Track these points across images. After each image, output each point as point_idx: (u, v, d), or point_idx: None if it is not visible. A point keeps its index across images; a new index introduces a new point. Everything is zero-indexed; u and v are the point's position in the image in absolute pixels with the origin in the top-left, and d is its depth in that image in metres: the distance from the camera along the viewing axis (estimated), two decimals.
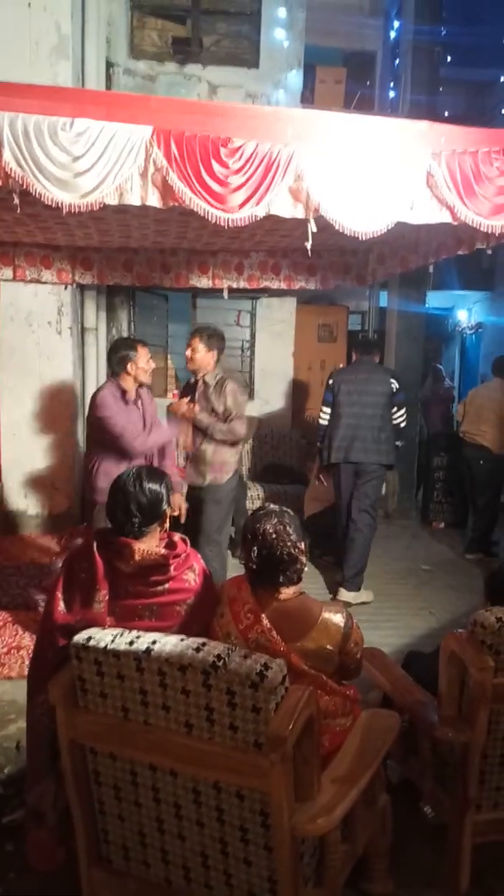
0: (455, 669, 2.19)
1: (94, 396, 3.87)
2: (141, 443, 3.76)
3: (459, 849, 2.22)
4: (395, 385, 4.74)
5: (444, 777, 2.35)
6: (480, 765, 2.17)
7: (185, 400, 4.07)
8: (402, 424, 4.81)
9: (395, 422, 4.76)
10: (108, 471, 3.63)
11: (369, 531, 4.74)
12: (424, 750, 2.40)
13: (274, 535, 2.06)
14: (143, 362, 3.84)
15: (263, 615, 2.04)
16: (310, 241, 2.89)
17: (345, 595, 4.65)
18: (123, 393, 3.84)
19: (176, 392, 4.22)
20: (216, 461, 4.05)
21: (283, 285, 5.69)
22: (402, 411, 4.78)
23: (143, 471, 2.28)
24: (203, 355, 4.03)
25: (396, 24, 8.68)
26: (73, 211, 2.70)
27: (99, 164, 2.64)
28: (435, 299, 10.66)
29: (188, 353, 4.07)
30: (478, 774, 2.18)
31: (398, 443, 4.84)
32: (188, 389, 4.24)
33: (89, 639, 1.83)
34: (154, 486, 2.21)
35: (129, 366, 3.82)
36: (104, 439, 3.78)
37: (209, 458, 4.04)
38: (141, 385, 3.94)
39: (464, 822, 2.20)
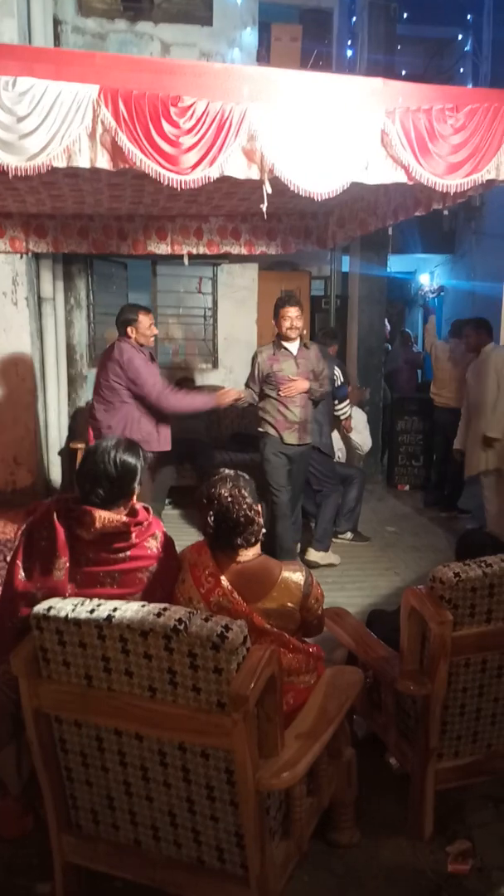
0: (416, 625, 2.23)
1: (110, 356, 4.12)
2: (163, 401, 4.06)
3: (423, 796, 2.30)
4: (338, 378, 5.06)
5: (408, 729, 2.42)
6: (441, 715, 2.24)
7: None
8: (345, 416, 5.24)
9: (337, 414, 5.15)
10: (141, 426, 4.07)
11: (336, 496, 4.91)
12: (388, 704, 2.46)
13: (230, 499, 2.06)
14: (143, 327, 4.16)
15: (223, 577, 2.05)
16: (265, 203, 2.84)
17: (313, 555, 4.77)
18: (141, 347, 4.15)
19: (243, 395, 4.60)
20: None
21: (244, 250, 5.62)
22: (345, 405, 5.21)
23: (123, 442, 2.24)
24: (303, 321, 4.39)
25: None
26: (19, 174, 2.61)
27: (45, 124, 2.54)
28: (397, 263, 10.65)
29: (290, 322, 4.31)
30: (439, 725, 2.25)
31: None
32: (279, 351, 4.40)
33: (50, 608, 1.82)
34: (129, 460, 2.18)
35: (129, 329, 4.15)
36: (132, 395, 4.07)
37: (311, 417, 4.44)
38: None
39: (426, 771, 2.28)
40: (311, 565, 4.63)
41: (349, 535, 5.29)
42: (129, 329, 4.16)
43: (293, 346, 4.39)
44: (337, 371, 5.09)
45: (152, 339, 4.24)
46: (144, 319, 4.17)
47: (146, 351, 4.26)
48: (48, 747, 1.93)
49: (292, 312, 4.30)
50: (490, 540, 2.77)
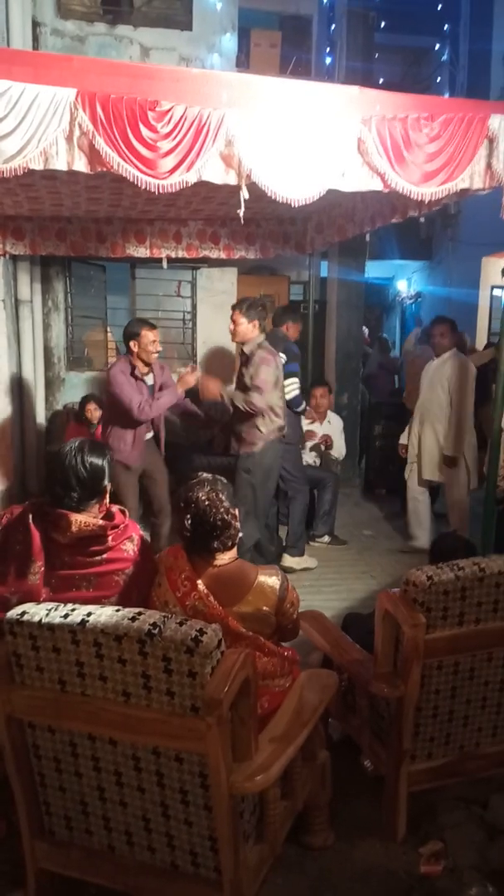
0: (389, 627, 2.25)
1: (108, 373, 4.29)
2: (145, 411, 4.07)
3: (396, 798, 2.32)
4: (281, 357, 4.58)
5: (381, 731, 2.44)
6: (414, 718, 2.26)
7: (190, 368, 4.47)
8: (291, 395, 4.69)
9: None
10: (120, 435, 4.18)
11: (302, 498, 4.84)
12: (362, 706, 2.48)
13: (207, 502, 2.07)
14: (145, 342, 4.15)
15: (199, 581, 2.06)
16: (242, 208, 2.86)
17: (288, 560, 4.75)
18: (133, 368, 4.16)
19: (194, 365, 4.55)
20: (244, 431, 4.18)
21: (223, 254, 5.64)
22: (291, 381, 4.68)
23: (86, 444, 2.24)
24: (244, 327, 4.15)
25: None
26: None
27: (21, 127, 2.53)
28: (375, 269, 10.75)
29: (230, 326, 4.19)
30: (412, 727, 2.27)
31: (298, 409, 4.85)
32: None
33: (23, 613, 1.81)
34: (96, 461, 2.19)
35: (132, 344, 4.17)
36: (116, 410, 4.19)
37: (240, 428, 4.21)
38: (148, 363, 4.22)
39: (399, 773, 2.29)
40: (287, 571, 4.59)
41: (326, 538, 5.31)
42: (131, 343, 4.19)
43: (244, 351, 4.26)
44: (282, 356, 4.57)
45: (155, 354, 4.19)
46: (148, 334, 4.16)
47: (158, 363, 4.30)
48: (21, 753, 1.91)
49: (232, 316, 4.19)
50: (462, 543, 2.81)
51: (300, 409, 4.89)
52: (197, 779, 1.75)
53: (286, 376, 4.59)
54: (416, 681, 2.19)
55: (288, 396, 4.58)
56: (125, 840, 1.91)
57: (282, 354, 4.59)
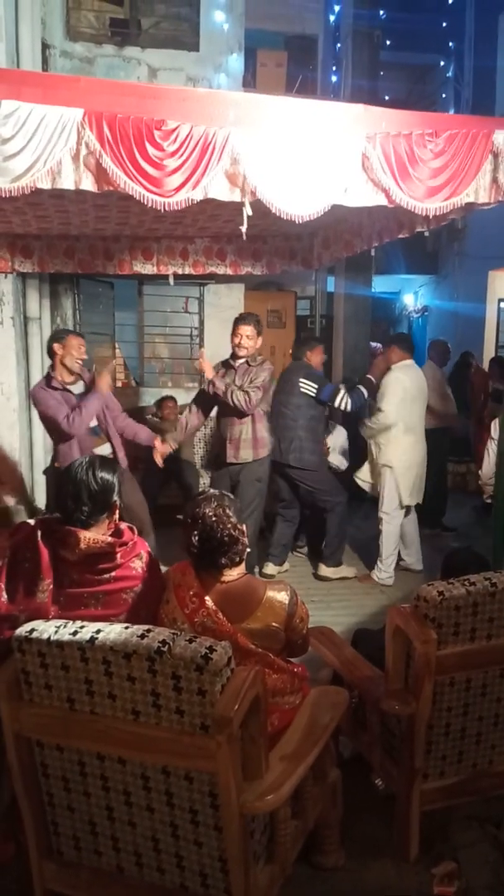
0: (400, 643, 2.23)
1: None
2: (74, 422, 3.88)
3: (408, 817, 2.28)
4: (311, 389, 4.69)
5: (393, 749, 2.41)
6: (426, 735, 2.23)
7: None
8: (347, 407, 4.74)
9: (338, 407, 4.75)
10: (66, 453, 3.99)
11: (340, 509, 4.84)
12: (373, 724, 2.45)
13: (214, 518, 2.06)
14: (70, 347, 4.03)
15: (207, 598, 2.04)
16: (245, 225, 2.88)
17: (324, 570, 4.86)
18: (51, 380, 4.04)
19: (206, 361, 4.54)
20: (257, 434, 4.33)
21: (230, 271, 5.67)
22: (340, 396, 4.68)
23: (97, 460, 2.26)
24: (255, 341, 4.33)
25: (336, 7, 8.69)
26: (4, 195, 2.63)
27: (29, 146, 2.57)
28: (382, 283, 10.79)
29: (240, 340, 4.30)
30: (424, 745, 2.24)
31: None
32: (226, 366, 4.46)
33: (32, 631, 1.80)
34: (106, 476, 2.19)
35: (56, 347, 4.06)
36: (49, 429, 4.09)
37: (245, 435, 4.32)
38: (72, 372, 4.08)
39: (412, 792, 2.26)
40: (322, 580, 4.81)
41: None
42: (55, 346, 4.05)
43: (238, 363, 4.40)
44: (305, 382, 4.72)
45: (79, 362, 4.07)
46: (73, 341, 4.07)
47: (86, 372, 4.19)
48: (29, 772, 1.90)
49: (244, 330, 4.31)
50: (474, 558, 2.78)
51: (355, 406, 4.81)
52: (207, 798, 1.73)
53: (333, 395, 4.68)
54: (427, 698, 2.17)
55: (347, 407, 4.70)
56: (134, 861, 1.89)
57: (308, 382, 4.71)
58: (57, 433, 4.00)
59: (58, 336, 4.12)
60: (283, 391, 4.87)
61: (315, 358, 4.94)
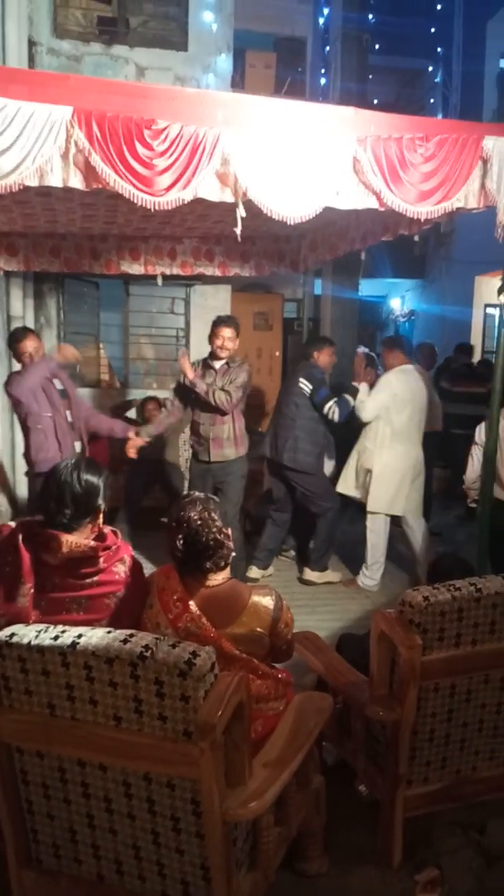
0: (385, 649, 2.22)
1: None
2: (18, 383, 4.09)
3: (392, 824, 2.27)
4: (307, 389, 4.67)
5: (377, 755, 2.40)
6: (410, 741, 2.22)
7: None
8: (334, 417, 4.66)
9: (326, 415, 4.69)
10: (39, 442, 4.16)
11: (332, 514, 4.81)
12: (357, 730, 2.44)
13: (199, 522, 2.04)
14: (20, 347, 4.28)
15: (192, 602, 2.02)
16: (239, 226, 2.86)
17: (309, 575, 4.83)
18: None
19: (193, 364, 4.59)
20: (238, 432, 4.45)
21: (218, 272, 5.65)
22: (329, 405, 4.63)
23: (82, 462, 2.22)
24: (235, 343, 4.42)
25: (326, 10, 8.70)
26: None
27: (17, 144, 2.54)
28: (369, 287, 10.82)
29: (222, 342, 4.36)
30: (408, 751, 2.23)
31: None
32: (206, 367, 4.50)
33: (12, 635, 1.77)
34: (91, 478, 2.16)
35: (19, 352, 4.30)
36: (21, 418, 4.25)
37: (227, 434, 4.41)
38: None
39: (395, 798, 2.25)
40: (306, 584, 4.79)
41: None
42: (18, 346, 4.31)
43: (218, 364, 4.45)
44: (304, 382, 4.67)
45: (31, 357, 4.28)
46: (30, 339, 4.31)
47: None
48: (8, 779, 1.86)
49: (225, 333, 4.36)
50: (459, 563, 2.79)
51: (342, 417, 4.72)
52: (189, 805, 1.71)
53: (324, 401, 4.61)
54: (412, 704, 2.16)
55: (335, 418, 4.63)
56: (115, 869, 1.86)
57: (306, 382, 4.67)
58: (24, 421, 4.17)
59: (9, 342, 4.33)
60: (285, 389, 4.87)
61: (323, 358, 4.88)
